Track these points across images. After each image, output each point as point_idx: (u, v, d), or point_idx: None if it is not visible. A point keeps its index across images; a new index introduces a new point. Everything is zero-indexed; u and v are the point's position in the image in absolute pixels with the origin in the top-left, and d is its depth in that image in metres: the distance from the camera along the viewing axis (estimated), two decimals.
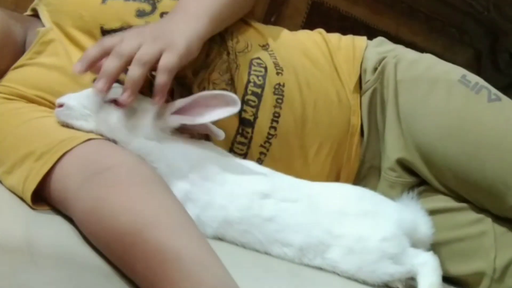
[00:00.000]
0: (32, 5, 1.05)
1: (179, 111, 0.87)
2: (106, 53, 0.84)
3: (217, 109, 0.86)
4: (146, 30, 0.88)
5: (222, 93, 0.87)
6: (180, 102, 0.87)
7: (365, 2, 1.67)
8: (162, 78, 0.83)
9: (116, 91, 0.86)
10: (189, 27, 0.90)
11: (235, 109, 0.86)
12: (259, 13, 1.55)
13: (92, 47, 0.85)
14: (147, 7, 0.99)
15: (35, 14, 1.03)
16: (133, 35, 0.86)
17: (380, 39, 1.18)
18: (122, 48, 0.83)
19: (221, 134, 0.90)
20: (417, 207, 0.96)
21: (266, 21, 1.54)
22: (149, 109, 0.87)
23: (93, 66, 0.84)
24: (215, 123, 0.89)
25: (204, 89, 0.98)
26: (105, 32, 0.97)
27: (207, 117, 0.86)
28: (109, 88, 0.84)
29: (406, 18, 1.74)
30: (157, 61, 0.84)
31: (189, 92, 0.98)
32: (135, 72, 0.83)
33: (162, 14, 0.99)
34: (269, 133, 1.00)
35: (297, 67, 1.06)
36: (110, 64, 0.83)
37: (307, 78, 1.06)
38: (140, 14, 0.98)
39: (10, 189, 0.82)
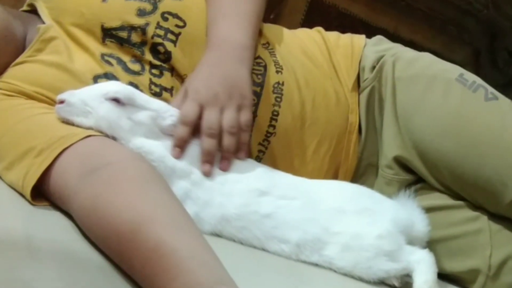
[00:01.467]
0: (29, 0, 1.05)
1: None
2: (192, 128, 0.89)
3: None
4: (219, 92, 0.91)
5: None
6: None
7: (364, 0, 1.67)
8: (245, 136, 0.93)
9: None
10: (244, 65, 0.96)
11: None
12: None
13: (181, 128, 0.88)
14: (148, 6, 0.99)
15: (33, 10, 1.03)
16: (210, 102, 0.90)
17: (378, 37, 1.18)
18: (210, 124, 0.89)
19: None
20: (414, 204, 0.97)
21: (266, 18, 1.54)
22: (149, 107, 0.88)
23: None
24: None
25: None
26: (105, 30, 0.97)
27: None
28: (212, 164, 0.89)
29: (405, 16, 1.74)
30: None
31: None
32: (232, 142, 0.91)
33: (163, 14, 0.99)
34: (268, 131, 1.01)
35: (296, 65, 1.06)
36: (211, 146, 0.89)
37: (306, 77, 1.06)
38: (141, 13, 0.98)
39: (10, 185, 0.83)
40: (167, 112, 0.88)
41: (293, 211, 0.88)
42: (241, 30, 0.99)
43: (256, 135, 1.00)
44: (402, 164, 1.06)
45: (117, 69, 0.96)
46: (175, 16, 1.00)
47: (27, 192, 0.79)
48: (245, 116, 0.92)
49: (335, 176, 1.08)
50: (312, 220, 0.88)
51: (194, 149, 0.89)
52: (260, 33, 1.08)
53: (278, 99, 1.02)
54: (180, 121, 0.89)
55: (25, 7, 1.06)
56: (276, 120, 1.01)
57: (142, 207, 0.69)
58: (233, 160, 0.91)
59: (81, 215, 0.74)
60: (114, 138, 0.85)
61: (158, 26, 0.98)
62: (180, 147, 0.88)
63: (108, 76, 0.95)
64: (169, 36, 0.98)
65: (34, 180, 0.78)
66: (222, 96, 0.91)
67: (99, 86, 0.89)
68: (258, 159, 1.01)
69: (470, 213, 1.02)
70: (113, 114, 0.85)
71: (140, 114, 0.87)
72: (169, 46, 0.98)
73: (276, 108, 1.02)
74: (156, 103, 0.89)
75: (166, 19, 0.99)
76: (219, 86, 0.92)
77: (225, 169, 0.90)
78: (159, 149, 0.86)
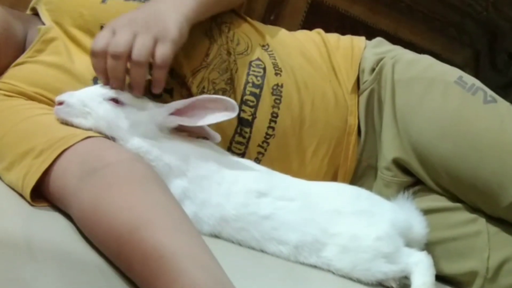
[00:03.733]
0: (31, 4, 1.06)
1: (177, 112, 0.88)
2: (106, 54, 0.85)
3: (215, 113, 0.87)
4: (137, 17, 0.87)
5: (221, 98, 0.88)
6: (179, 104, 0.88)
7: (364, 1, 1.67)
8: (159, 73, 0.86)
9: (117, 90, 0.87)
10: (178, 11, 0.90)
11: (232, 114, 0.87)
12: (259, 12, 1.55)
13: (94, 59, 0.86)
14: None
15: (35, 13, 1.04)
16: (124, 25, 0.86)
17: (378, 39, 1.18)
18: (118, 45, 0.83)
19: (217, 137, 0.91)
20: (412, 206, 0.97)
21: (266, 19, 1.55)
22: (148, 107, 0.88)
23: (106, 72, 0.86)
24: (214, 124, 0.90)
25: (203, 88, 0.99)
26: None
27: (205, 120, 0.87)
28: (123, 88, 0.86)
29: (405, 18, 1.74)
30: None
31: (188, 91, 0.98)
32: (138, 73, 0.85)
33: None
34: (267, 133, 1.01)
35: (295, 68, 1.07)
36: (114, 69, 0.85)
37: (305, 79, 1.06)
38: None
39: (10, 185, 0.83)
40: (163, 108, 0.88)
41: (292, 213, 0.88)
42: None
43: (255, 137, 1.00)
44: (400, 166, 1.06)
45: None
46: None
47: (27, 193, 0.79)
48: (162, 49, 0.85)
49: (334, 178, 1.08)
50: (311, 222, 0.88)
51: (191, 148, 0.89)
52: (260, 35, 1.08)
53: (277, 101, 1.02)
54: (92, 51, 0.85)
55: (28, 11, 1.06)
56: (275, 122, 1.02)
57: (141, 209, 0.69)
58: (143, 91, 0.87)
59: (80, 216, 0.74)
60: (113, 139, 0.85)
61: None
62: (104, 77, 0.85)
63: None
64: None
65: (33, 181, 0.79)
66: (139, 22, 0.85)
67: (97, 87, 0.89)
68: (258, 161, 1.01)
69: (468, 215, 1.03)
70: (112, 114, 0.86)
71: (138, 114, 0.87)
72: None
73: (275, 110, 1.02)
74: (151, 102, 0.89)
75: None
76: (139, 14, 0.88)
77: (137, 94, 0.86)
78: (157, 148, 0.86)
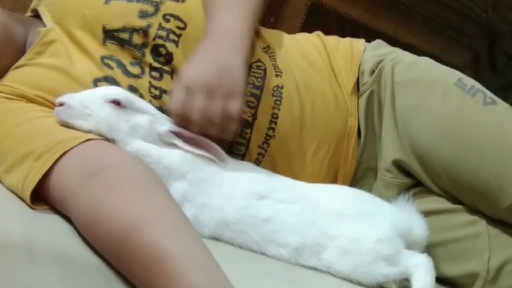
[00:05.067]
0: (32, 6, 1.05)
1: (177, 133, 0.89)
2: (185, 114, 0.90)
3: (207, 153, 0.89)
4: (208, 76, 0.91)
5: (218, 149, 0.89)
6: (183, 131, 0.89)
7: (364, 3, 1.67)
8: (233, 125, 0.92)
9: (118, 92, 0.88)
10: (240, 55, 0.95)
11: (221, 163, 0.89)
12: None
13: (173, 119, 0.90)
14: (150, 8, 0.99)
15: (36, 15, 1.04)
16: (199, 89, 0.89)
17: (378, 41, 1.19)
18: (198, 113, 0.89)
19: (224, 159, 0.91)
20: (412, 208, 0.97)
21: (265, 22, 1.55)
22: (149, 112, 0.88)
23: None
24: None
25: None
26: (107, 31, 0.97)
27: (198, 150, 0.89)
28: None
29: (404, 20, 1.74)
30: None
31: None
32: (213, 131, 0.91)
33: (164, 16, 0.99)
34: (267, 134, 1.01)
35: (295, 69, 1.07)
36: (192, 126, 0.90)
37: (305, 81, 1.06)
38: (143, 15, 0.99)
39: (10, 188, 0.83)
40: (163, 118, 0.89)
41: (292, 215, 0.88)
42: (238, 20, 0.99)
43: (255, 138, 1.00)
44: (401, 167, 1.06)
45: (117, 72, 0.96)
46: (177, 18, 1.00)
47: (27, 195, 0.79)
48: (235, 104, 0.91)
49: (334, 180, 1.08)
50: (311, 224, 0.88)
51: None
52: (260, 37, 1.09)
53: (278, 102, 1.02)
54: (170, 111, 0.89)
55: (29, 13, 1.06)
56: (275, 123, 1.02)
57: (140, 211, 0.69)
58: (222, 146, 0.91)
59: (80, 218, 0.74)
60: (113, 141, 0.85)
61: (160, 27, 0.98)
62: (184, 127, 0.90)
63: (108, 79, 0.95)
64: (171, 37, 0.99)
65: (33, 183, 0.79)
66: (212, 82, 0.90)
67: (98, 89, 0.89)
68: (258, 162, 1.01)
69: (468, 217, 1.03)
70: (112, 117, 0.86)
71: (139, 117, 0.87)
72: (170, 47, 0.98)
73: (276, 111, 1.02)
74: (154, 109, 0.90)
75: (168, 21, 0.99)
76: (210, 71, 0.91)
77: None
78: (157, 151, 0.87)
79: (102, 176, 0.75)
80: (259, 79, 1.02)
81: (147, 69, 0.98)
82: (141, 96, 0.95)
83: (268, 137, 1.01)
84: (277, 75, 1.04)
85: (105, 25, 0.97)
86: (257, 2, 1.04)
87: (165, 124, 0.89)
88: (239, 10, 1.01)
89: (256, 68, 1.03)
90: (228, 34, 0.97)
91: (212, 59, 0.93)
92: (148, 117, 0.88)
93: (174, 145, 0.89)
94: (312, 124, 1.05)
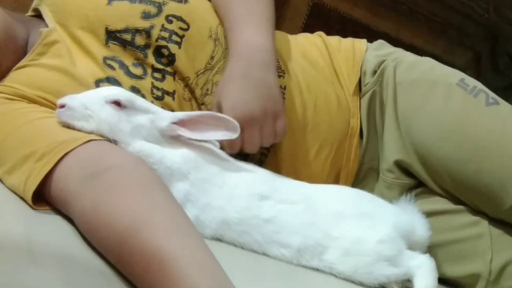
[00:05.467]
0: (33, 6, 1.05)
1: (180, 122, 0.88)
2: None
3: (216, 130, 0.88)
4: (253, 109, 0.93)
5: (225, 118, 0.88)
6: (183, 115, 0.89)
7: (365, 4, 1.67)
8: (278, 139, 0.98)
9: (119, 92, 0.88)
10: (272, 70, 0.98)
11: (233, 135, 0.88)
12: None
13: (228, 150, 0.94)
14: (152, 9, 0.99)
15: (37, 15, 1.04)
16: (248, 123, 0.92)
17: (380, 42, 1.18)
18: (251, 146, 0.94)
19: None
20: (414, 209, 0.97)
21: None
22: (150, 111, 0.88)
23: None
24: None
25: (207, 90, 0.99)
26: (109, 32, 0.97)
27: (205, 135, 0.88)
28: None
29: (406, 20, 1.74)
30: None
31: (191, 93, 0.99)
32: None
33: (167, 17, 0.99)
34: None
35: (297, 70, 1.07)
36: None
37: (307, 81, 1.06)
38: (146, 16, 0.99)
39: (11, 189, 0.83)
40: (165, 114, 0.88)
41: (294, 216, 0.88)
42: (260, 32, 0.99)
43: None
44: (403, 168, 1.06)
45: (119, 73, 0.96)
46: (179, 19, 1.00)
47: (28, 196, 0.79)
48: (281, 124, 0.96)
49: (336, 180, 1.08)
50: (313, 225, 0.88)
51: (193, 152, 0.89)
52: None
53: None
54: (226, 146, 0.93)
55: (30, 12, 1.06)
56: None
57: (142, 212, 0.69)
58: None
59: (82, 219, 0.74)
60: (114, 142, 0.85)
61: (163, 28, 0.98)
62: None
63: (110, 80, 0.95)
64: (174, 38, 0.99)
65: (35, 184, 0.78)
66: (259, 115, 0.93)
67: (99, 90, 0.89)
68: (261, 162, 1.01)
69: (470, 217, 1.03)
70: (113, 118, 0.85)
71: (140, 117, 0.87)
72: (173, 48, 0.98)
73: None
74: (155, 107, 0.89)
75: (170, 22, 0.99)
76: (251, 101, 0.93)
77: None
78: (159, 151, 0.86)
79: (103, 177, 0.75)
80: None
81: (149, 70, 0.98)
82: (143, 97, 0.95)
83: None
84: (279, 76, 1.04)
85: (108, 26, 0.97)
86: (271, 6, 1.04)
87: (165, 119, 0.88)
88: (259, 19, 1.01)
89: None
90: (256, 50, 0.97)
91: (249, 84, 0.94)
92: (149, 116, 0.88)
93: (178, 141, 0.88)
94: (314, 125, 1.05)
